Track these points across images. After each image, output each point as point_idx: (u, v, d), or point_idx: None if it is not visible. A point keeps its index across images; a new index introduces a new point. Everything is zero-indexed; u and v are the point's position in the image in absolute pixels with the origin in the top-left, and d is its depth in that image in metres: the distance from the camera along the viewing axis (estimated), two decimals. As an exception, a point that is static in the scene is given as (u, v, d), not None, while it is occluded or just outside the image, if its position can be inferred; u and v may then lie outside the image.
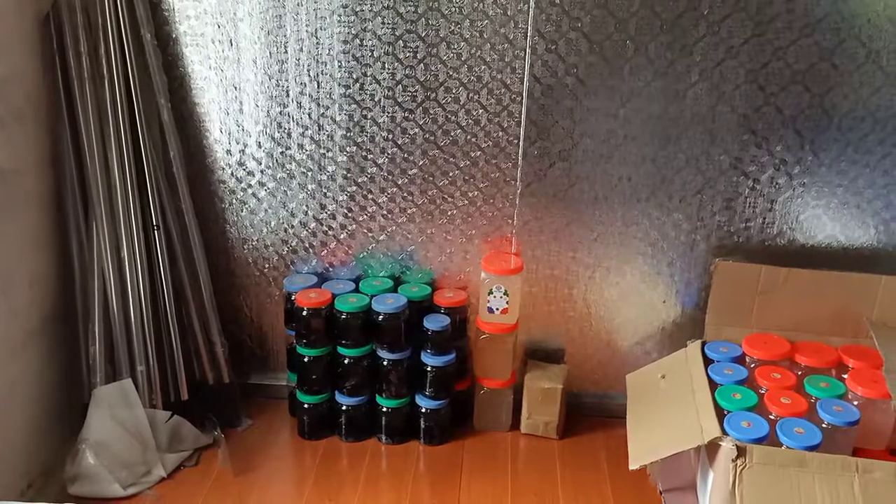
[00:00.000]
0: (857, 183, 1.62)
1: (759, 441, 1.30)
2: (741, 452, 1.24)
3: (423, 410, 1.75)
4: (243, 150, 1.72)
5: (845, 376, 1.48)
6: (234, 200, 1.77)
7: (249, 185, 1.75)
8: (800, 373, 1.53)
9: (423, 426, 1.76)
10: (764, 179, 1.64)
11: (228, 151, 1.72)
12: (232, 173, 1.74)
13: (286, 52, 1.63)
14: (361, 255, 1.79)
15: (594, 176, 1.67)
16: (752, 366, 1.55)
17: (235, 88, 1.67)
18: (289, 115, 1.68)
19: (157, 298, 1.68)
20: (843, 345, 1.58)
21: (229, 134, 1.71)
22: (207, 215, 1.77)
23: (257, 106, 1.68)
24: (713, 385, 1.47)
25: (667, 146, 1.63)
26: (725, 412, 1.39)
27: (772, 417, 1.38)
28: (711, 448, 1.32)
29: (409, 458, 1.73)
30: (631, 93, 1.60)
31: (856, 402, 1.43)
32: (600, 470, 1.69)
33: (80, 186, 1.61)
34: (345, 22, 1.59)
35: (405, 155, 1.69)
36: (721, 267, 1.64)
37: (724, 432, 1.31)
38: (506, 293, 1.70)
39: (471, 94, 1.63)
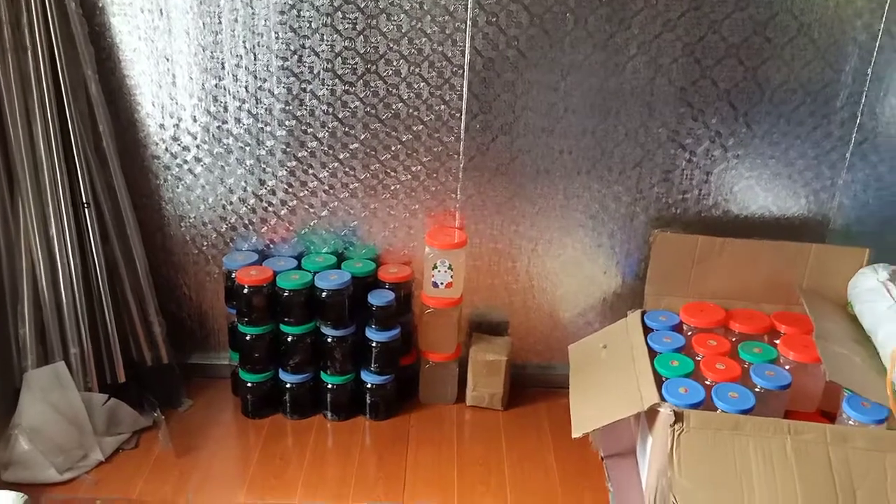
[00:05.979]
0: (789, 154, 1.67)
1: (695, 406, 1.34)
2: (678, 417, 1.27)
3: (369, 386, 1.75)
4: (177, 125, 1.67)
5: (777, 342, 1.53)
6: (169, 176, 1.71)
7: (185, 161, 1.70)
8: (734, 339, 1.57)
9: (368, 402, 1.76)
10: (700, 152, 1.67)
11: (162, 126, 1.67)
12: (166, 148, 1.69)
13: (220, 22, 1.58)
14: (303, 232, 1.77)
15: (536, 149, 1.67)
16: (690, 333, 1.59)
17: (167, 60, 1.61)
18: (225, 88, 1.63)
19: (89, 277, 1.62)
20: (776, 311, 1.63)
21: (162, 107, 1.65)
22: (141, 192, 1.72)
23: (191, 78, 1.62)
24: (652, 353, 1.51)
25: (607, 119, 1.65)
26: (664, 379, 1.42)
27: (707, 383, 1.42)
28: (650, 414, 1.35)
29: (355, 434, 1.73)
30: (571, 66, 1.60)
31: (787, 367, 1.48)
32: (544, 439, 1.72)
33: (4, 163, 1.54)
34: (281, -9, 1.55)
35: (346, 129, 1.66)
36: (659, 238, 1.67)
37: (663, 399, 1.35)
38: (450, 267, 1.70)
39: (412, 67, 1.61)
